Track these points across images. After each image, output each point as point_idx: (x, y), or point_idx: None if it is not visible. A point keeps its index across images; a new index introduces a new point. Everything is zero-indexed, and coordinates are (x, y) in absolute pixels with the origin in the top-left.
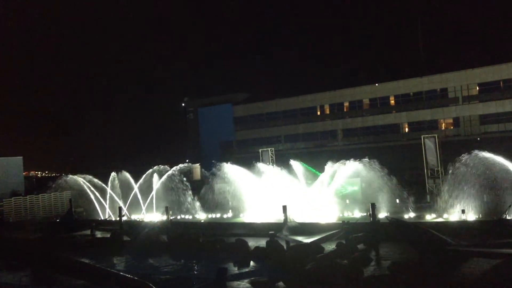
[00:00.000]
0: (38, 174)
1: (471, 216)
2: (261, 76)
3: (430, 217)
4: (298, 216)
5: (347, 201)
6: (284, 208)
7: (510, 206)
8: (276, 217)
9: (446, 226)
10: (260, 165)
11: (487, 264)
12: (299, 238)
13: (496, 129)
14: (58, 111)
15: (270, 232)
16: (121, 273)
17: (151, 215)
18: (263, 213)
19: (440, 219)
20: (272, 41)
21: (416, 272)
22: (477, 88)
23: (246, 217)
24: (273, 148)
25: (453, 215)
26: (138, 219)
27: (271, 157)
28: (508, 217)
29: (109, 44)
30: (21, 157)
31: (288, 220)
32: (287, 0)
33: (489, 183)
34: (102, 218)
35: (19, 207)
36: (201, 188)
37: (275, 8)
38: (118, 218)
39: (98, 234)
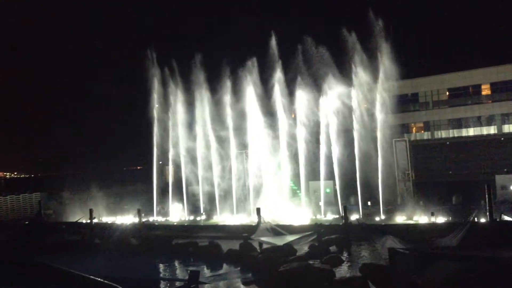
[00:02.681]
0: (7, 175)
1: (440, 218)
2: None
3: (400, 219)
4: (271, 218)
5: (320, 203)
6: (258, 210)
7: (476, 209)
8: (250, 219)
9: (415, 228)
10: (234, 167)
11: (454, 266)
12: (273, 240)
13: (465, 134)
14: (28, 112)
15: (244, 235)
16: (91, 276)
17: (123, 218)
18: (237, 215)
19: (410, 221)
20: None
21: (386, 274)
22: (447, 94)
23: (220, 220)
24: (247, 151)
25: (423, 218)
26: (109, 222)
27: (246, 159)
28: (475, 220)
29: (91, 41)
30: None
31: (262, 222)
32: None
33: (458, 187)
34: (73, 221)
35: None
36: (173, 190)
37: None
38: (89, 221)
39: (68, 237)
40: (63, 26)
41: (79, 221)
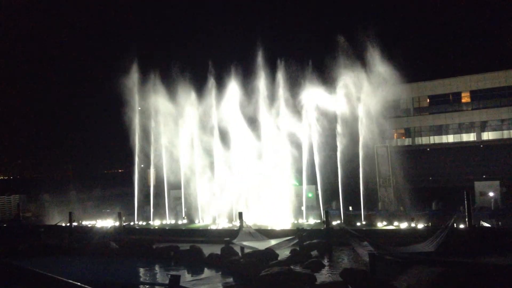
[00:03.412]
0: None
1: (421, 224)
2: None
3: (381, 225)
4: (253, 222)
5: (302, 208)
6: (240, 214)
7: (455, 215)
8: (232, 223)
9: (396, 234)
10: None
11: (433, 271)
12: (254, 245)
13: (446, 140)
14: (5, 113)
15: (225, 239)
16: (70, 281)
17: (103, 221)
18: (219, 219)
19: (390, 227)
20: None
21: (367, 279)
22: (428, 100)
23: (201, 224)
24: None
25: (403, 223)
26: (89, 225)
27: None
28: (454, 226)
29: (70, 40)
30: None
31: (244, 226)
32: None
33: (438, 192)
34: (52, 224)
35: None
36: (156, 193)
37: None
38: (68, 224)
39: (47, 240)
40: (42, 24)
41: (58, 224)
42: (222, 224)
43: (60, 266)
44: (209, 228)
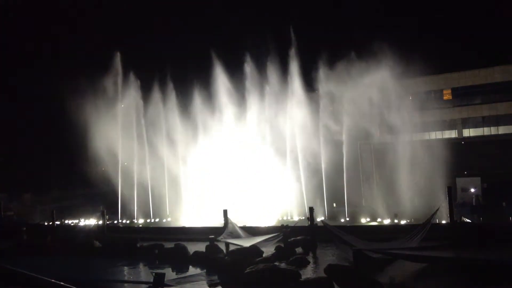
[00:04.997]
0: None
1: (403, 219)
2: None
3: (364, 221)
4: (238, 219)
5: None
6: (225, 212)
7: (436, 210)
8: (216, 221)
9: (379, 230)
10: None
11: (415, 266)
12: (239, 242)
13: (428, 137)
14: None
15: (210, 237)
16: (53, 281)
17: (87, 220)
18: (204, 217)
19: (373, 223)
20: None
21: (351, 274)
22: (410, 98)
23: (186, 222)
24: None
25: (386, 219)
26: (72, 224)
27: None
28: (436, 221)
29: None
30: None
31: (229, 223)
32: None
33: (420, 188)
34: (34, 222)
35: None
36: (139, 191)
37: None
38: (51, 222)
39: (30, 240)
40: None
41: (40, 223)
42: (207, 221)
43: (43, 266)
44: (193, 226)
